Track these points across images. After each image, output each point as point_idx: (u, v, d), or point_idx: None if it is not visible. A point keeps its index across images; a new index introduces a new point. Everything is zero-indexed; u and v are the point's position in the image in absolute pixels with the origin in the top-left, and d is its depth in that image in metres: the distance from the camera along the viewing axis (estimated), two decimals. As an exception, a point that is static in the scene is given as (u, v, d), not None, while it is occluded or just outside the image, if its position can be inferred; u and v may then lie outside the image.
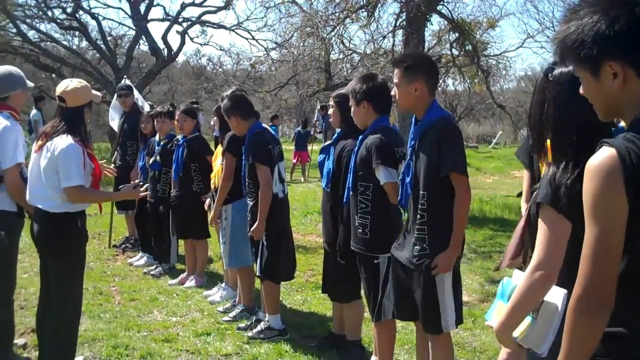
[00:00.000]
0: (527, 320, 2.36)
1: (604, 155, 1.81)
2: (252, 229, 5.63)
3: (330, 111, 5.31)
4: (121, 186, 5.05)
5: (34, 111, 16.29)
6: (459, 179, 3.86)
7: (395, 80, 4.02)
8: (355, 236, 4.60)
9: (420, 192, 3.91)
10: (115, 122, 9.54)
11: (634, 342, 1.87)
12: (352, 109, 4.67)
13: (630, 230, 1.80)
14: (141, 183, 6.15)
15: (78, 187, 4.37)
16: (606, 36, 1.85)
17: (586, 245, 1.84)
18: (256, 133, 5.74)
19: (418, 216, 3.92)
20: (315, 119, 21.04)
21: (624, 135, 1.84)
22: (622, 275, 1.84)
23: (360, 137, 4.63)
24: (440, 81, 19.42)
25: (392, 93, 4.11)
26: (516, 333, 2.35)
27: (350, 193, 4.65)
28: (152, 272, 7.89)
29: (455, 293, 3.98)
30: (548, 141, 2.44)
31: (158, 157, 7.71)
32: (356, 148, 4.63)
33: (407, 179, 4.01)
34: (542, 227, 2.24)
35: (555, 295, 2.29)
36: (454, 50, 15.38)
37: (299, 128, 21.53)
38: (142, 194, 4.95)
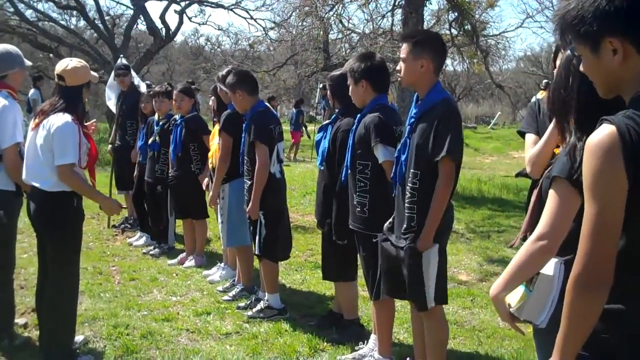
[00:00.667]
0: (521, 290, 2.37)
1: (603, 132, 1.81)
2: (247, 208, 5.64)
3: (327, 93, 5.34)
4: (114, 198, 4.90)
5: (32, 90, 16.26)
6: (448, 164, 3.85)
7: (402, 54, 4.00)
8: (353, 215, 4.61)
9: (413, 170, 3.92)
10: (112, 101, 9.51)
11: (632, 319, 1.88)
12: (351, 87, 4.67)
13: (629, 208, 1.80)
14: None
15: (70, 166, 4.35)
16: (606, 12, 1.84)
17: (585, 223, 1.84)
18: (259, 111, 5.72)
19: (408, 194, 3.94)
20: (317, 100, 21.06)
21: (624, 113, 1.84)
22: (621, 253, 1.84)
23: (359, 115, 4.63)
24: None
25: (398, 68, 4.09)
26: (512, 303, 2.36)
27: (349, 172, 4.65)
28: (151, 253, 7.92)
29: (439, 272, 3.98)
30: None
31: (157, 137, 7.69)
32: (354, 127, 4.63)
33: (403, 157, 4.01)
34: (552, 199, 2.23)
35: (549, 265, 2.30)
36: (453, 30, 15.31)
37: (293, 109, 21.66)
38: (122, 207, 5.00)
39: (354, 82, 4.62)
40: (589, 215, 1.83)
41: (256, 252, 5.77)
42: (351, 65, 4.68)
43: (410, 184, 3.93)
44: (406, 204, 3.96)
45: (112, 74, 9.43)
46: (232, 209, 6.25)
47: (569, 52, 2.62)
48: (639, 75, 1.88)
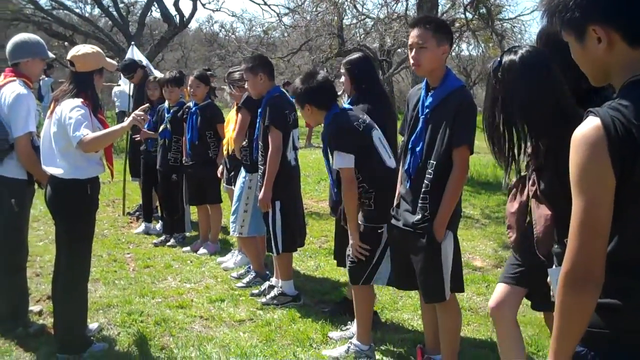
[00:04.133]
0: None
1: (588, 125, 1.74)
2: (260, 196, 5.61)
3: (342, 78, 5.27)
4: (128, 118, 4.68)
5: (45, 78, 16.37)
6: (465, 153, 3.84)
7: (421, 40, 3.86)
8: (361, 209, 4.57)
9: (430, 161, 3.87)
10: (126, 87, 9.61)
11: (630, 314, 1.83)
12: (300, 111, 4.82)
13: (618, 202, 1.74)
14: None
15: (84, 138, 4.25)
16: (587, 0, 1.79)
17: (573, 219, 1.78)
18: (274, 96, 5.69)
19: (423, 185, 3.90)
20: None
21: (609, 103, 1.77)
22: (613, 248, 1.79)
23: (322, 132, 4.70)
24: (455, 45, 19.25)
25: (413, 55, 3.96)
26: None
27: None
28: (168, 244, 7.84)
29: (455, 260, 3.95)
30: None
31: (168, 125, 7.64)
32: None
33: (418, 148, 3.96)
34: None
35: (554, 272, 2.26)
36: (468, 14, 15.18)
37: None
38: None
39: (300, 107, 4.74)
40: (577, 212, 1.77)
41: (275, 253, 5.71)
42: (295, 87, 4.77)
43: (426, 175, 3.89)
44: (421, 195, 3.91)
45: (122, 77, 9.55)
46: (257, 199, 6.20)
47: (491, 72, 2.71)
48: (627, 63, 1.81)
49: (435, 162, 3.86)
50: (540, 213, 2.98)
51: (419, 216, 3.91)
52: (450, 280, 3.94)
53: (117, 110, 16.19)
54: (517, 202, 3.26)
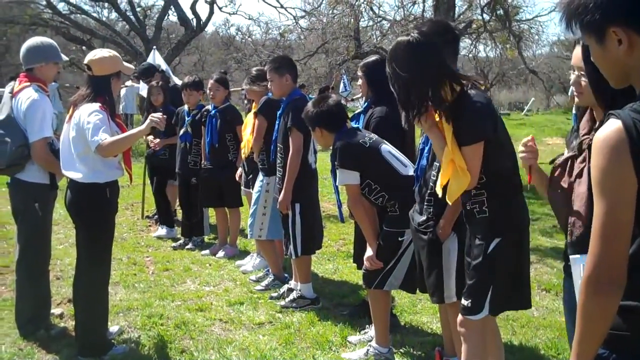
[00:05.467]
0: None
1: (610, 128, 1.73)
2: (280, 199, 5.62)
3: (359, 81, 5.28)
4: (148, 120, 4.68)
5: (51, 83, 16.49)
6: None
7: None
8: (386, 214, 4.57)
9: (435, 162, 3.86)
10: (145, 91, 9.64)
11: None
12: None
13: None
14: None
15: (103, 143, 4.28)
16: (608, 1, 1.77)
17: (595, 222, 1.77)
18: (296, 99, 5.69)
19: (429, 187, 3.91)
20: (339, 89, 21.04)
21: (631, 106, 1.76)
22: (634, 251, 1.78)
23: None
24: (472, 47, 19.19)
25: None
26: None
27: None
28: (187, 248, 7.88)
29: (460, 264, 3.91)
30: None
31: (189, 128, 7.67)
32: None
33: (426, 149, 3.98)
34: None
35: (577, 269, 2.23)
36: (485, 15, 15.13)
37: None
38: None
39: (312, 129, 4.81)
40: (599, 215, 1.76)
41: (294, 256, 5.72)
42: (306, 110, 4.82)
43: (432, 177, 3.89)
44: (426, 197, 3.93)
45: (141, 82, 9.61)
46: (276, 202, 6.21)
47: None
48: None
49: (439, 164, 3.86)
50: (579, 191, 2.82)
51: (424, 217, 3.94)
52: (454, 285, 3.88)
53: (121, 112, 16.27)
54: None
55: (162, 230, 8.54)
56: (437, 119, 3.41)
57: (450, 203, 3.44)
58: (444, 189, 3.42)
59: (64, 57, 5.10)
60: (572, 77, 2.83)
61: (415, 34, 3.41)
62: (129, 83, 12.15)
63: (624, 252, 1.76)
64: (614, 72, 1.90)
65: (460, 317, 3.58)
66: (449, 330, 4.28)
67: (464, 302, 3.51)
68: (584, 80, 2.70)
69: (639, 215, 1.75)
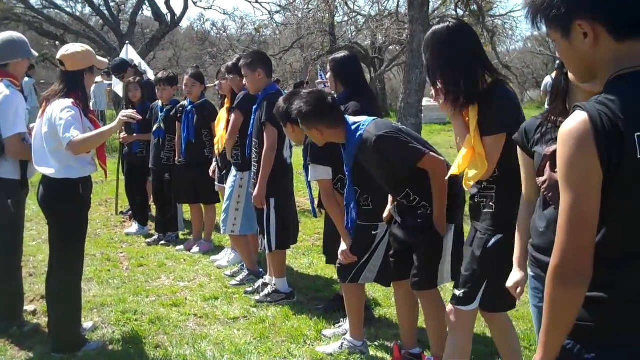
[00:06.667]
0: None
1: (575, 120, 1.75)
2: (254, 193, 5.63)
3: (328, 76, 5.27)
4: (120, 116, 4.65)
5: (26, 79, 16.25)
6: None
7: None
8: (359, 209, 4.58)
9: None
10: (119, 87, 9.57)
11: (614, 307, 1.84)
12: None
13: (605, 196, 1.75)
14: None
15: (74, 140, 4.27)
16: None
17: (561, 214, 1.79)
18: (272, 94, 5.67)
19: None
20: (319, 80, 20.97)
21: (596, 98, 1.78)
22: (599, 242, 1.80)
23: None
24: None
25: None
26: None
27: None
28: (161, 243, 7.86)
29: (456, 252, 3.94)
30: None
31: (162, 124, 7.63)
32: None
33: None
34: None
35: None
36: (458, 11, 15.22)
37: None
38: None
39: (284, 125, 4.79)
40: (564, 206, 1.78)
41: (268, 251, 5.73)
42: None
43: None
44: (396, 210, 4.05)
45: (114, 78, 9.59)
46: (250, 197, 6.20)
47: None
48: (612, 58, 1.82)
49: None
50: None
51: (418, 216, 3.98)
52: (450, 270, 3.94)
53: (92, 109, 16.11)
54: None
55: (133, 227, 8.51)
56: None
57: (467, 189, 3.46)
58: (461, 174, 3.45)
59: (35, 53, 5.07)
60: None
61: (452, 21, 3.52)
62: (98, 79, 12.05)
63: (590, 243, 1.78)
64: (580, 67, 1.92)
65: (450, 306, 3.62)
66: (408, 322, 4.38)
67: (456, 292, 3.55)
68: None
69: (604, 207, 1.77)
